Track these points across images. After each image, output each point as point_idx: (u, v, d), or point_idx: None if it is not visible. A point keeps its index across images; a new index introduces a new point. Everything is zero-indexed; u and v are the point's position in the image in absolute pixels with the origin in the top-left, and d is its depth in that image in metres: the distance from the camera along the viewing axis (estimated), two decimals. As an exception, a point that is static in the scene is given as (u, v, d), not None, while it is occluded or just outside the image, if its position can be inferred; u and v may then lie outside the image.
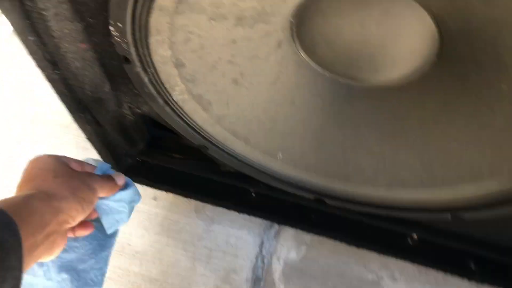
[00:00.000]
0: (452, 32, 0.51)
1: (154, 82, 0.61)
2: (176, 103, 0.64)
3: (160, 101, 0.65)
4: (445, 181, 0.63)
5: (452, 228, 0.74)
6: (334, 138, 0.69)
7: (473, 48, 0.50)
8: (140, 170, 0.87)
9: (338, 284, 0.87)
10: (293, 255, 0.91)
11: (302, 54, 0.63)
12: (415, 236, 0.78)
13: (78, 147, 1.07)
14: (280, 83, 0.65)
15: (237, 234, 0.94)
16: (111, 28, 0.53)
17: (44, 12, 0.50)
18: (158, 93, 0.63)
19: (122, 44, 0.56)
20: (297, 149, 0.71)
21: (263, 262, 0.91)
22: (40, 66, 0.58)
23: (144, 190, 0.99)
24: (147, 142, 0.84)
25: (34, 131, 1.14)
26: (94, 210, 0.65)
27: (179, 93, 0.63)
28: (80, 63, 0.59)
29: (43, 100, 1.16)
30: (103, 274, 0.73)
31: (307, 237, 0.91)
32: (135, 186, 0.68)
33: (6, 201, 0.50)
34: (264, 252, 0.92)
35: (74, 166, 0.60)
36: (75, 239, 0.68)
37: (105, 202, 0.65)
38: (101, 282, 0.73)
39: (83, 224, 0.64)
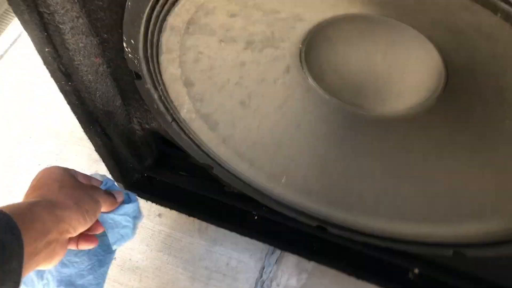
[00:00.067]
0: (458, 66, 0.51)
1: (163, 99, 0.63)
2: (183, 121, 0.65)
3: (169, 118, 0.66)
4: (447, 217, 0.63)
5: (454, 264, 0.72)
6: (338, 166, 0.69)
7: (477, 83, 0.50)
8: (146, 186, 0.88)
9: (337, 315, 0.86)
10: (293, 282, 0.90)
11: (310, 80, 0.64)
12: (416, 270, 0.77)
13: (90, 159, 1.09)
14: (287, 108, 0.66)
15: (239, 257, 0.94)
16: (124, 44, 0.55)
17: (60, 26, 0.52)
18: (167, 110, 0.65)
19: (134, 61, 0.57)
20: (301, 174, 0.71)
21: (262, 287, 0.91)
22: (54, 77, 0.60)
23: (150, 207, 1.00)
24: (155, 158, 0.85)
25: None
26: (100, 225, 0.66)
27: (187, 111, 0.64)
28: (93, 77, 0.61)
29: (58, 112, 1.19)
30: None
31: (309, 265, 0.90)
32: (139, 202, 0.69)
33: (11, 206, 0.51)
34: (264, 277, 0.91)
35: (81, 179, 0.61)
36: (76, 254, 0.69)
37: (110, 215, 0.66)
38: None
39: (87, 237, 0.64)
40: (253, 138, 0.68)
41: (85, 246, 0.65)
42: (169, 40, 0.53)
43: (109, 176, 0.86)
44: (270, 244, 0.82)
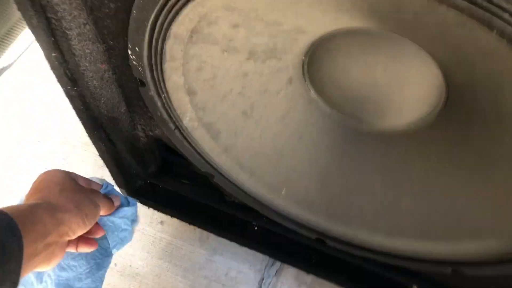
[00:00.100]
0: (458, 82, 0.51)
1: (167, 106, 0.64)
2: (186, 129, 0.66)
3: (171, 125, 0.67)
4: (446, 234, 0.62)
5: (453, 282, 0.72)
6: (338, 179, 0.69)
7: (476, 100, 0.50)
8: (149, 193, 0.89)
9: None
10: (292, 294, 0.90)
11: (312, 92, 0.64)
12: (415, 287, 0.76)
13: (96, 164, 1.10)
14: (289, 119, 0.66)
15: (238, 268, 0.94)
16: (129, 51, 0.56)
17: (67, 31, 0.53)
18: (170, 117, 0.65)
19: (139, 68, 0.58)
20: (302, 186, 0.71)
21: (261, 298, 0.90)
22: (60, 82, 0.61)
23: (152, 214, 1.01)
24: (158, 165, 0.86)
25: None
26: (100, 229, 0.67)
27: (189, 119, 0.64)
28: (98, 82, 0.62)
29: (67, 117, 1.20)
30: None
31: (308, 278, 0.90)
32: (137, 206, 0.70)
33: (13, 208, 0.52)
34: (263, 289, 0.91)
35: (82, 182, 0.62)
36: (74, 258, 0.70)
37: (111, 218, 0.67)
38: None
39: (87, 240, 0.65)
40: (255, 148, 0.69)
41: (85, 249, 0.65)
42: (172, 48, 0.53)
43: (112, 181, 0.87)
44: (269, 255, 0.82)
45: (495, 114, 0.49)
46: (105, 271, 0.73)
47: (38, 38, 0.54)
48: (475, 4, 0.34)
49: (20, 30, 1.22)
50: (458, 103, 0.54)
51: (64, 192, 0.57)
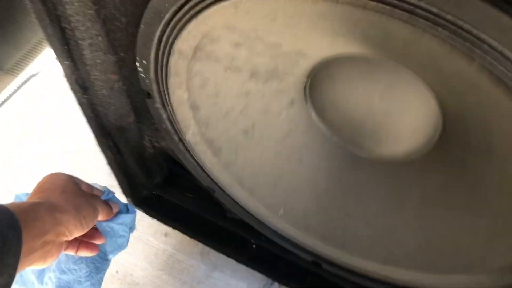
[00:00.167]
0: (452, 113, 0.52)
1: (171, 119, 0.66)
2: (189, 142, 0.68)
3: (176, 138, 0.69)
4: (438, 266, 0.62)
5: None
6: (336, 203, 0.69)
7: (469, 133, 0.50)
8: (154, 203, 0.91)
9: None
10: (288, 316, 0.90)
11: (313, 116, 0.65)
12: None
13: (105, 173, 1.13)
14: (290, 140, 0.68)
15: (237, 285, 0.94)
16: (137, 64, 0.59)
17: (80, 41, 0.56)
18: (174, 130, 0.68)
19: (146, 80, 0.61)
20: (299, 208, 0.72)
21: (257, 318, 0.90)
22: (72, 89, 0.64)
23: (158, 225, 1.02)
24: (164, 177, 0.88)
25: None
26: (101, 235, 0.69)
27: (192, 134, 0.66)
28: (107, 92, 0.64)
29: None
30: None
31: (305, 301, 0.90)
32: (136, 214, 0.72)
33: (15, 204, 0.54)
34: (259, 309, 0.91)
35: (84, 187, 0.64)
36: (74, 262, 0.72)
37: (110, 224, 0.69)
38: None
39: (88, 245, 0.67)
40: (255, 167, 0.70)
41: (85, 254, 0.67)
42: (177, 63, 0.56)
43: (119, 189, 0.90)
44: (266, 274, 0.83)
45: (486, 149, 0.49)
46: (104, 274, 0.75)
47: (52, 46, 0.57)
48: (455, 34, 0.35)
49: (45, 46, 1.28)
50: (453, 135, 0.54)
51: (65, 194, 0.60)
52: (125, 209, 0.70)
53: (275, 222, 0.74)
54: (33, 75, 1.39)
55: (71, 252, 0.65)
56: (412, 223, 0.63)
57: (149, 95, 0.63)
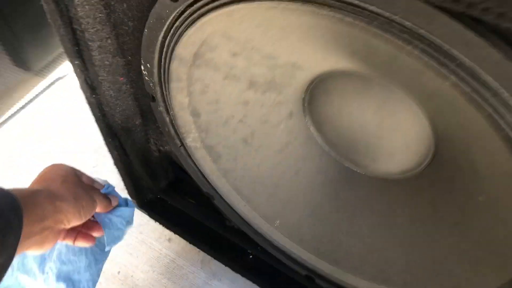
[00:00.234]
0: (441, 133, 0.52)
1: (174, 123, 0.68)
2: (189, 147, 0.70)
3: (178, 142, 0.71)
4: (425, 286, 0.61)
5: None
6: (330, 218, 0.70)
7: (456, 153, 0.51)
8: (157, 208, 0.93)
9: None
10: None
11: (311, 129, 0.67)
12: None
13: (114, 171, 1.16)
14: (287, 152, 0.69)
15: (234, 295, 0.95)
16: (142, 67, 0.61)
17: (89, 43, 0.59)
18: (176, 134, 0.70)
19: (150, 83, 0.63)
20: (294, 220, 0.72)
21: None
22: (82, 88, 0.67)
23: (162, 230, 1.04)
24: (169, 181, 0.90)
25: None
26: (100, 227, 0.71)
27: (192, 140, 0.68)
28: (115, 93, 0.67)
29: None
30: (94, 284, 0.78)
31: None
32: (134, 209, 0.73)
33: (18, 190, 0.57)
34: (254, 320, 0.91)
35: (85, 179, 0.67)
36: (74, 253, 0.74)
37: (108, 216, 0.71)
38: None
39: (85, 235, 0.69)
40: (252, 176, 0.71)
41: (82, 244, 0.69)
42: (178, 69, 0.58)
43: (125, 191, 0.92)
44: (260, 285, 0.83)
45: (471, 169, 0.49)
46: (102, 266, 0.77)
47: (64, 46, 0.60)
48: (428, 50, 0.36)
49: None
50: (444, 155, 0.54)
51: (65, 184, 0.62)
52: (124, 203, 0.72)
53: (271, 232, 0.75)
54: (60, 78, 1.45)
55: (69, 242, 0.67)
56: (403, 242, 0.63)
57: (153, 99, 0.66)
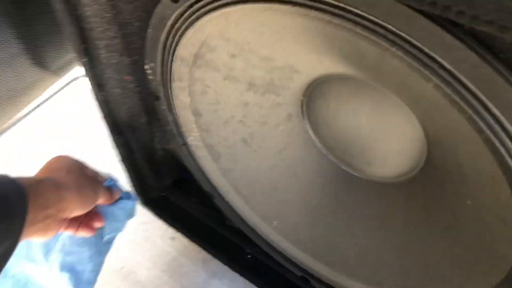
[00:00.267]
0: (433, 137, 0.53)
1: (176, 122, 0.70)
2: (190, 147, 0.72)
3: (180, 141, 0.73)
4: (418, 290, 0.62)
5: None
6: (327, 220, 0.71)
7: (446, 158, 0.51)
8: (161, 206, 0.94)
9: None
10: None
11: (310, 132, 0.68)
12: None
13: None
14: (286, 154, 0.70)
15: (233, 296, 0.96)
16: (146, 66, 0.64)
17: (97, 41, 0.62)
18: (179, 133, 0.71)
19: (154, 82, 0.65)
20: (291, 221, 0.74)
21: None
22: (90, 85, 0.69)
23: (166, 229, 1.06)
24: (173, 180, 0.92)
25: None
26: (101, 218, 0.73)
27: (193, 139, 0.70)
28: (121, 91, 0.69)
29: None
30: (97, 275, 0.80)
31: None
32: (136, 202, 0.75)
33: (23, 178, 0.59)
34: (252, 321, 0.92)
35: (89, 172, 0.69)
36: (78, 244, 0.76)
37: (110, 208, 0.73)
38: (94, 281, 0.80)
39: (87, 226, 0.71)
40: (251, 176, 0.73)
41: (83, 234, 0.71)
42: (179, 69, 0.60)
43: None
44: (257, 285, 0.84)
45: (459, 174, 0.49)
46: (105, 258, 0.79)
47: (72, 44, 0.63)
48: (408, 54, 0.37)
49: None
50: (436, 159, 0.55)
51: (69, 174, 0.64)
52: (126, 196, 0.74)
53: (268, 232, 0.76)
54: (76, 78, 1.48)
55: (71, 231, 0.69)
56: (396, 246, 0.64)
57: (157, 97, 0.68)
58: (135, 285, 1.00)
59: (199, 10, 0.49)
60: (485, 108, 0.36)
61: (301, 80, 0.60)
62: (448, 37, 0.33)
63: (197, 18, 0.50)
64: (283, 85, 0.61)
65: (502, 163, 0.38)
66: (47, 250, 0.78)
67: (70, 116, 1.40)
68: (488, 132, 0.37)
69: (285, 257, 0.77)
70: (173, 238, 1.05)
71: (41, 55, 1.38)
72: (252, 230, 0.78)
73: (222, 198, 0.77)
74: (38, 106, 1.43)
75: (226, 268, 0.96)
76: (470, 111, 0.37)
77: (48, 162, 0.67)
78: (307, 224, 0.72)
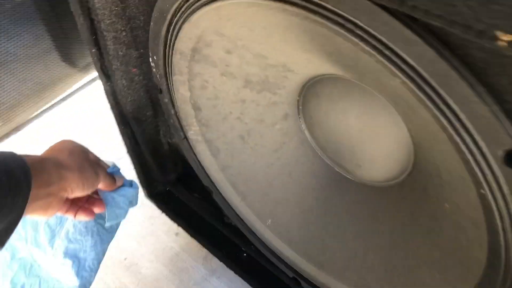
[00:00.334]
0: (417, 141, 0.53)
1: (178, 116, 0.72)
2: (191, 141, 0.74)
3: (182, 134, 0.75)
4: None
5: None
6: (319, 222, 0.71)
7: (427, 161, 0.52)
8: (166, 200, 0.97)
9: None
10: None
11: (306, 133, 0.69)
12: None
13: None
14: (282, 153, 0.71)
15: (229, 294, 0.97)
16: (150, 59, 0.66)
17: (105, 33, 0.65)
18: (180, 127, 0.74)
19: (157, 75, 0.68)
20: (285, 221, 0.75)
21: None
22: (99, 75, 0.73)
23: (171, 224, 1.09)
24: (178, 175, 0.94)
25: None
26: (102, 204, 0.75)
27: (194, 133, 0.72)
28: (127, 83, 0.72)
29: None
30: (99, 263, 0.83)
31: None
32: (138, 190, 0.77)
33: (27, 155, 0.62)
34: (246, 320, 0.93)
35: (91, 156, 0.71)
36: (81, 233, 0.79)
37: (112, 194, 0.75)
38: (96, 269, 0.83)
39: (86, 210, 0.73)
40: (248, 173, 0.74)
41: (82, 217, 0.73)
42: (179, 63, 0.62)
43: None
44: (250, 284, 0.85)
45: (439, 178, 0.50)
46: (107, 246, 0.81)
47: (82, 34, 0.66)
48: (376, 50, 0.38)
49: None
50: (422, 163, 0.55)
51: (72, 156, 0.67)
52: (129, 185, 0.76)
53: (263, 231, 0.77)
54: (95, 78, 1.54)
55: (70, 215, 0.72)
56: (383, 249, 0.64)
57: (160, 90, 0.71)
58: (136, 276, 1.02)
59: (194, 4, 0.52)
60: (445, 104, 0.36)
61: (295, 80, 0.62)
62: (407, 32, 0.34)
63: (193, 12, 0.53)
64: (278, 83, 0.63)
65: (464, 160, 0.39)
66: (52, 236, 0.81)
67: (91, 114, 1.45)
68: (450, 129, 0.38)
69: (278, 257, 0.78)
70: (177, 234, 1.07)
71: (70, 52, 1.44)
72: (248, 228, 0.79)
73: (220, 194, 0.79)
74: (63, 99, 1.49)
75: (225, 267, 0.98)
76: (433, 108, 0.38)
77: (52, 145, 0.70)
78: (300, 225, 0.73)
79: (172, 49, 0.61)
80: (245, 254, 0.86)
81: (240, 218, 0.79)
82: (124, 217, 0.78)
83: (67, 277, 0.82)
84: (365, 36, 0.38)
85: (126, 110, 0.77)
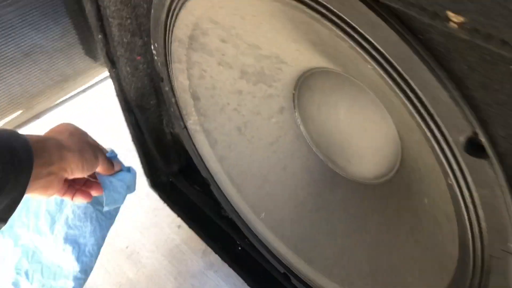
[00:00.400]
0: (402, 137, 0.53)
1: (177, 104, 0.74)
2: (190, 130, 0.75)
3: (182, 124, 0.77)
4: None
5: None
6: (311, 217, 0.72)
7: (410, 158, 0.52)
8: (168, 190, 0.99)
9: None
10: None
11: (301, 127, 0.70)
12: None
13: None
14: (278, 146, 0.72)
15: (225, 288, 0.98)
16: (152, 47, 0.68)
17: (110, 19, 0.68)
18: (180, 116, 0.76)
19: (158, 63, 0.70)
20: (278, 215, 0.75)
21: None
22: (105, 61, 0.75)
23: (175, 217, 1.10)
24: (181, 166, 0.96)
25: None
26: (100, 187, 0.77)
27: (192, 122, 0.74)
28: (131, 70, 0.75)
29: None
30: (99, 248, 0.85)
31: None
32: (136, 176, 0.79)
33: (29, 135, 0.64)
34: (240, 315, 0.93)
35: (90, 139, 0.73)
36: (80, 219, 0.81)
37: (109, 178, 0.77)
38: (96, 254, 0.85)
39: (84, 193, 0.75)
40: (244, 166, 0.75)
41: (80, 200, 0.75)
42: (177, 50, 0.64)
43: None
44: (242, 277, 0.86)
45: (419, 175, 0.50)
46: (107, 232, 0.83)
47: (90, 20, 0.69)
48: (348, 35, 0.39)
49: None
50: (407, 159, 0.55)
51: (72, 137, 0.69)
52: (127, 170, 0.78)
53: (257, 224, 0.78)
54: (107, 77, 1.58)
55: (68, 197, 0.74)
56: (369, 247, 0.64)
57: (162, 79, 0.73)
58: (135, 265, 1.04)
59: (188, -9, 0.53)
60: (411, 90, 0.37)
61: (290, 72, 0.62)
62: (371, 15, 0.35)
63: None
64: (273, 75, 0.64)
65: (432, 149, 0.38)
66: (52, 222, 0.83)
67: (108, 109, 1.49)
68: (417, 116, 0.38)
69: (269, 251, 0.78)
70: (179, 227, 1.09)
71: (93, 47, 1.49)
72: (242, 220, 0.80)
73: (217, 185, 0.80)
74: (83, 91, 1.54)
75: (223, 261, 0.99)
76: (400, 94, 0.38)
77: (53, 128, 0.72)
78: (292, 219, 0.74)
79: (171, 36, 0.62)
80: (239, 248, 0.87)
81: (236, 210, 0.80)
82: (122, 202, 0.80)
83: (68, 263, 0.84)
84: (338, 20, 0.39)
85: (130, 97, 0.79)
